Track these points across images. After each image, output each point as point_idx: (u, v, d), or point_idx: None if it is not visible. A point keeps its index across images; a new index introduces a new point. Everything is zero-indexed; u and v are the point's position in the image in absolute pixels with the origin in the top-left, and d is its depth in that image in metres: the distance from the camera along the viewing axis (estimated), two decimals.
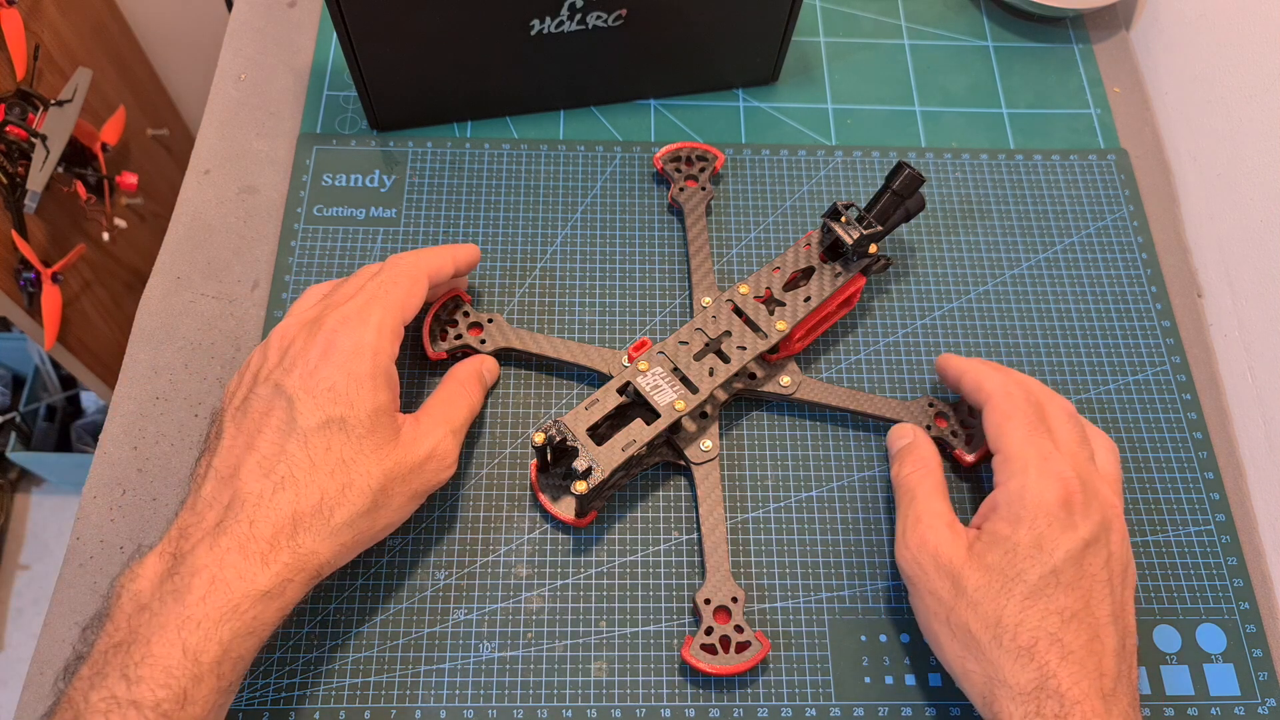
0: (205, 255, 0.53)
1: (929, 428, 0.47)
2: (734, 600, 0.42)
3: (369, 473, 0.38)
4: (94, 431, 1.22)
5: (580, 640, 0.44)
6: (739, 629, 0.42)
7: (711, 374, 0.45)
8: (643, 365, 0.45)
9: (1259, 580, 0.47)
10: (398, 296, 0.42)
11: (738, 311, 0.47)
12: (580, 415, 0.43)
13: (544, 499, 0.45)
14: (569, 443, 0.42)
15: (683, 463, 0.46)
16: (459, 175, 0.55)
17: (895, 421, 0.48)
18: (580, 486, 0.41)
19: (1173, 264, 0.55)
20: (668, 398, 0.44)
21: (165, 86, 1.16)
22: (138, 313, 0.51)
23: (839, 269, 0.48)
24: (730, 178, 0.56)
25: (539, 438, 0.42)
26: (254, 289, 0.52)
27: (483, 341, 0.48)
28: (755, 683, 0.43)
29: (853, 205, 0.47)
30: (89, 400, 1.25)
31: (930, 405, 0.48)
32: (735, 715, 0.43)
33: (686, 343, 0.45)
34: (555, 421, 0.42)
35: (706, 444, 0.46)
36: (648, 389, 0.44)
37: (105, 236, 0.97)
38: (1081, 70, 0.62)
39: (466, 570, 0.45)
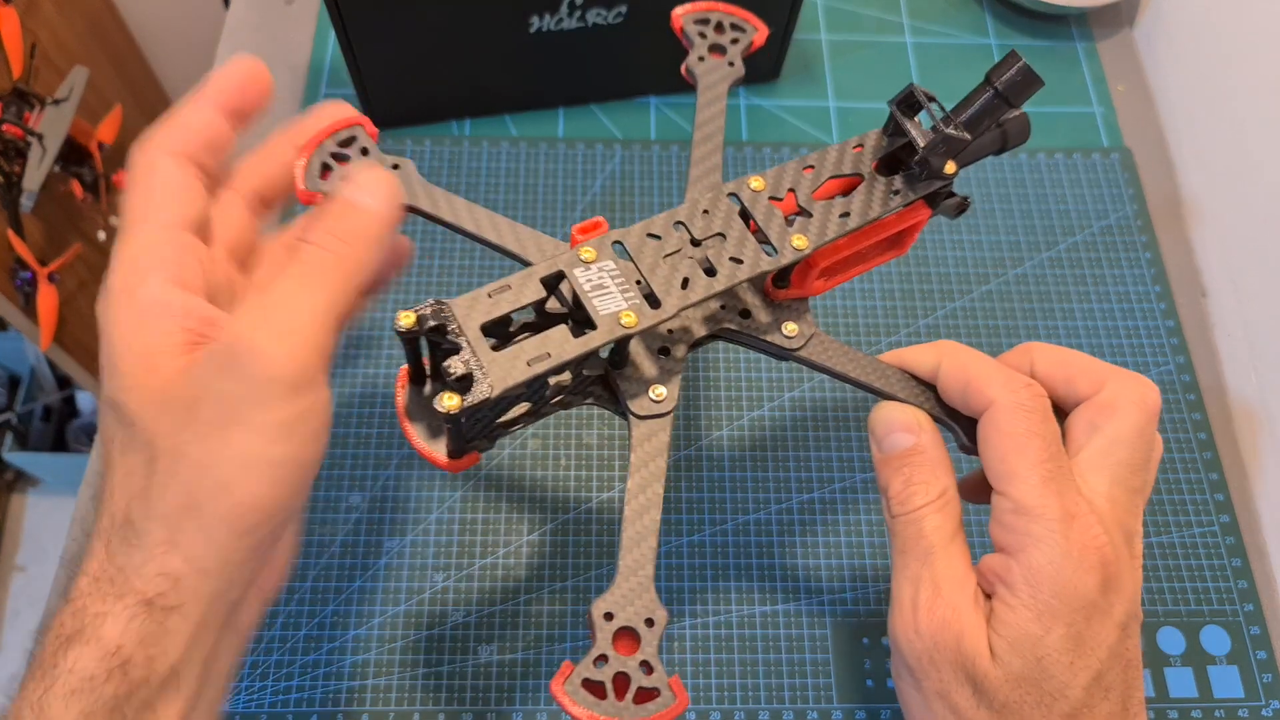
0: None
1: None
2: (649, 624, 0.28)
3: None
4: (90, 432, 1.21)
5: (580, 643, 0.43)
6: (647, 667, 0.27)
7: (685, 286, 0.30)
8: (586, 253, 0.30)
9: (1263, 582, 0.46)
10: (142, 235, 0.28)
11: (744, 214, 0.32)
12: (479, 302, 0.28)
13: (408, 428, 0.30)
14: (451, 336, 0.28)
15: (617, 410, 0.33)
16: (458, 174, 0.55)
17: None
18: (450, 401, 0.26)
19: (1177, 263, 0.55)
20: (613, 305, 0.29)
21: (162, 85, 1.16)
22: None
23: (897, 186, 0.33)
24: (731, 176, 0.56)
25: (406, 318, 0.27)
26: None
27: None
28: (756, 685, 0.43)
29: (936, 100, 0.32)
30: (85, 401, 1.24)
31: None
32: (736, 718, 0.42)
33: (658, 237, 0.31)
34: (438, 302, 0.28)
35: (659, 391, 0.32)
36: (586, 287, 0.29)
37: (101, 236, 0.97)
38: (1085, 68, 0.62)
39: (465, 573, 0.45)
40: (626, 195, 0.55)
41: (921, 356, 0.33)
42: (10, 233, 0.82)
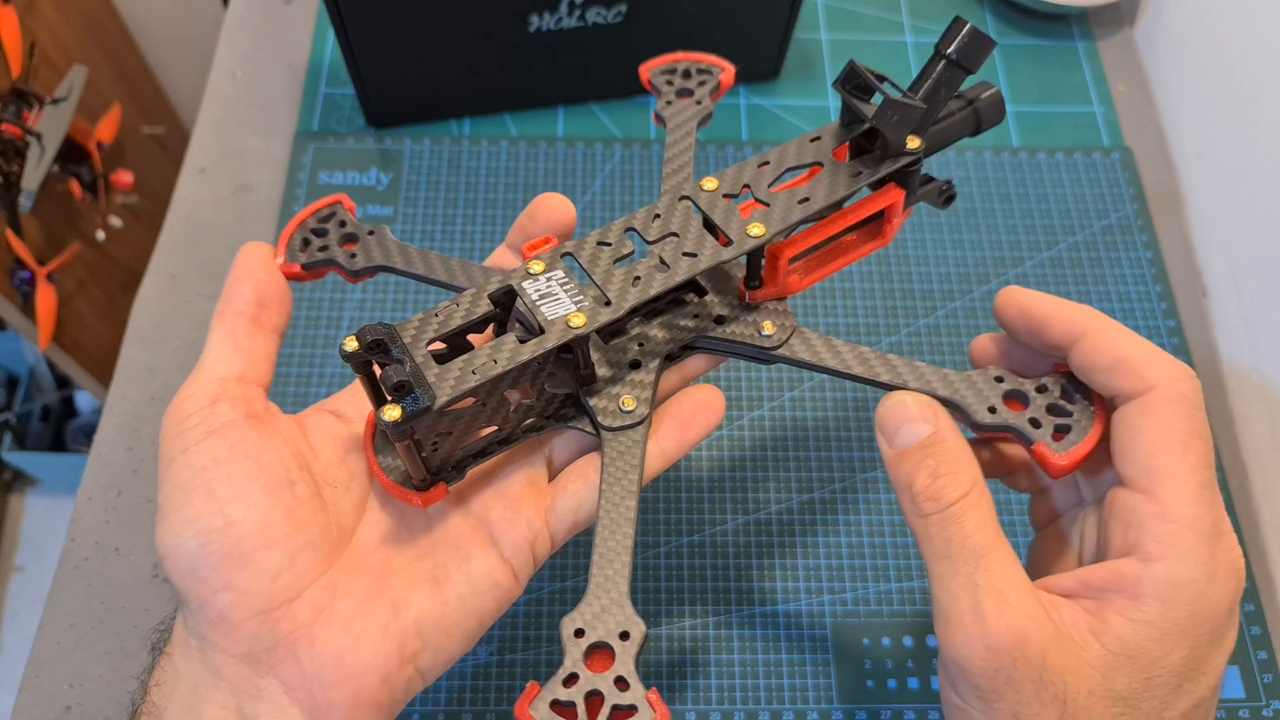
0: (201, 254, 0.52)
1: (992, 410, 0.30)
2: (623, 637, 0.27)
3: None
4: (89, 432, 1.21)
5: None
6: (622, 683, 0.26)
7: (637, 284, 0.30)
8: (535, 266, 0.30)
9: (1264, 582, 0.46)
10: None
11: (707, 224, 0.32)
12: (427, 322, 0.29)
13: (373, 459, 0.30)
14: (396, 353, 0.28)
15: (589, 430, 0.32)
16: (457, 173, 0.55)
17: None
18: (391, 412, 0.26)
19: (1177, 263, 0.55)
20: (560, 310, 0.29)
21: (161, 84, 1.16)
22: (132, 312, 0.51)
23: (859, 168, 0.32)
24: None
25: (350, 342, 0.27)
26: None
27: (353, 257, 0.34)
28: (756, 686, 0.43)
29: (887, 79, 0.31)
30: (84, 401, 1.24)
31: (998, 380, 0.31)
32: (736, 719, 0.42)
33: (609, 244, 0.31)
34: (381, 324, 0.28)
35: (627, 401, 0.31)
36: (534, 297, 0.29)
37: (100, 235, 0.97)
38: (1085, 68, 0.61)
39: None
40: (626, 194, 0.55)
41: (1065, 314, 0.30)
42: (9, 232, 0.82)
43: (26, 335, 0.89)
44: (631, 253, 0.31)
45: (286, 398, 0.48)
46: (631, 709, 0.25)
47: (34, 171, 0.81)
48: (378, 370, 0.28)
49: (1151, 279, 0.54)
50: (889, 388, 0.31)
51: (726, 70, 0.39)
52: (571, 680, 0.26)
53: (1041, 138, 0.58)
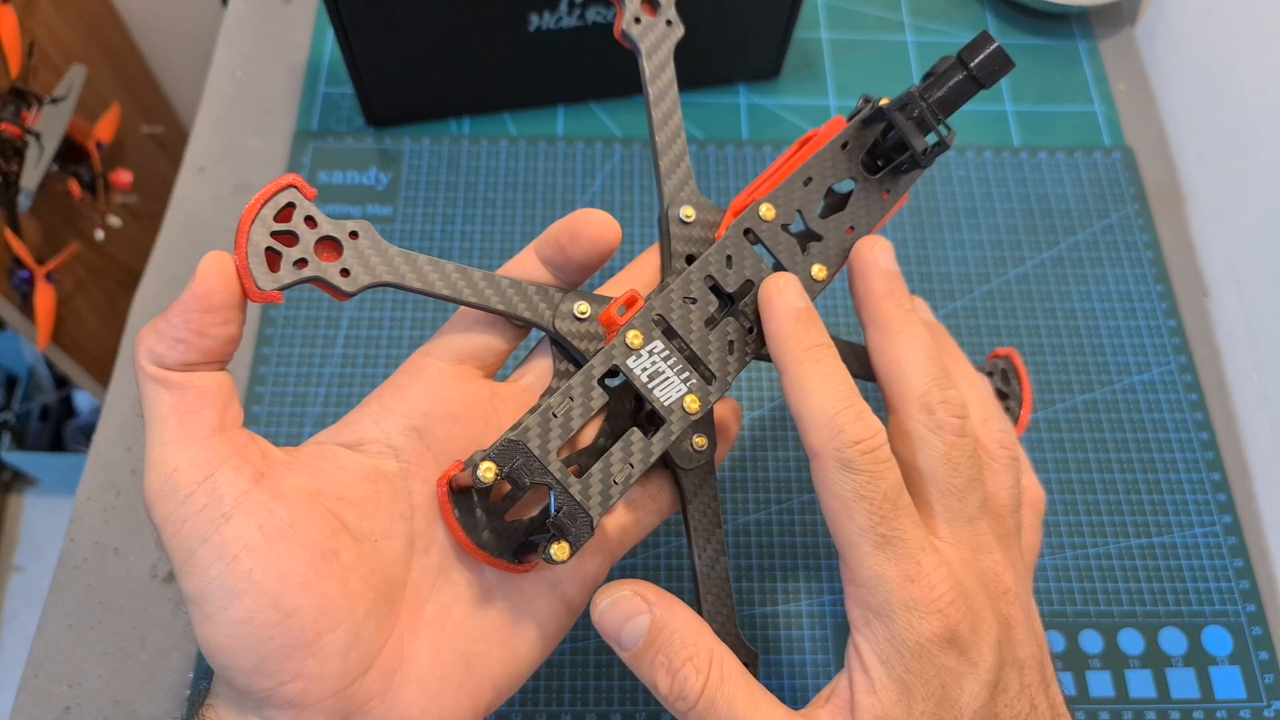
0: (200, 254, 0.52)
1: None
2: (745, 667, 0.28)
3: None
4: (88, 432, 1.21)
5: (579, 645, 0.43)
6: None
7: (733, 350, 0.29)
8: (634, 339, 0.28)
9: (1265, 582, 0.46)
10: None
11: (777, 266, 0.31)
12: (550, 428, 0.27)
13: (468, 543, 0.28)
14: (536, 480, 0.26)
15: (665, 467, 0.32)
16: (456, 173, 0.55)
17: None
18: (561, 550, 0.26)
19: (1179, 263, 0.55)
20: (674, 393, 0.28)
21: (160, 83, 1.15)
22: (132, 312, 0.50)
23: (887, 186, 0.32)
24: (732, 175, 0.56)
25: (487, 472, 0.25)
26: None
27: (345, 272, 0.27)
28: None
29: (923, 97, 0.31)
30: (83, 401, 1.24)
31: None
32: None
33: (694, 300, 0.30)
34: (512, 443, 0.26)
35: (699, 442, 0.31)
36: (644, 379, 0.28)
37: (99, 235, 0.97)
38: (1086, 67, 0.61)
39: None
40: (626, 194, 0.55)
41: (871, 303, 0.31)
42: (8, 232, 0.82)
43: (25, 335, 0.89)
44: (715, 314, 0.30)
45: (285, 398, 0.48)
46: None
47: (33, 171, 0.81)
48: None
49: (1152, 278, 0.54)
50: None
51: None
52: None
53: (1042, 137, 0.58)
